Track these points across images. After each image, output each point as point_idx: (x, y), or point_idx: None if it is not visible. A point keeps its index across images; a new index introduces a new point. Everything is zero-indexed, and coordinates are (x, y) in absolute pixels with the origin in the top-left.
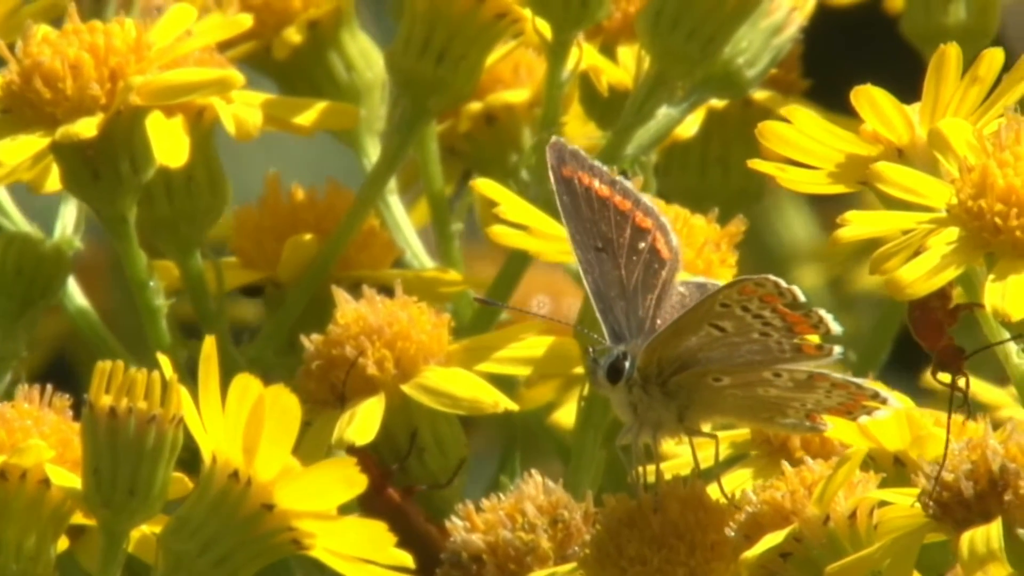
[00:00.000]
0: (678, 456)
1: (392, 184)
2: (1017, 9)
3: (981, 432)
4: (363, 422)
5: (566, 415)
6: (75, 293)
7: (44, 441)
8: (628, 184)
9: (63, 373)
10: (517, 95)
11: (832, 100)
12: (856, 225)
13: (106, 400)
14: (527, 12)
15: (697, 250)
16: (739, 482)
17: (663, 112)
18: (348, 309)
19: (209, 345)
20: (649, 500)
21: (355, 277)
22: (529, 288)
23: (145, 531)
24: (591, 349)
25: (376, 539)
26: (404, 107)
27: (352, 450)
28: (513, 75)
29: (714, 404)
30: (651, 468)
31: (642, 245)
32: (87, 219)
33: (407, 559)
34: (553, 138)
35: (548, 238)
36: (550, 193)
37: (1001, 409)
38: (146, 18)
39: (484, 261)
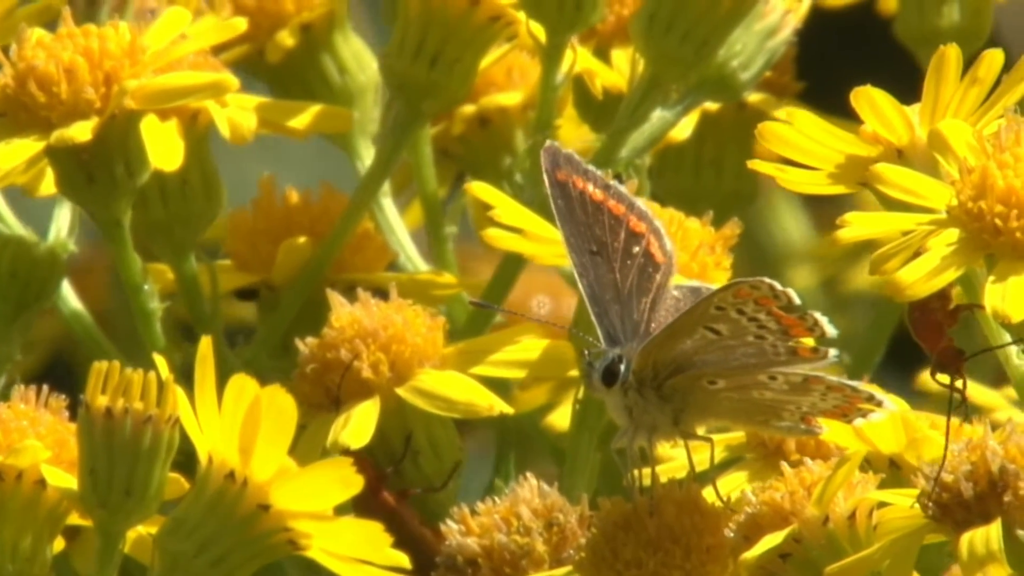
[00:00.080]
0: (673, 459)
1: (386, 187)
2: (1013, 10)
3: (980, 433)
4: (358, 425)
5: (561, 418)
6: (69, 296)
7: (40, 442)
8: (622, 189)
9: (61, 374)
10: (511, 98)
11: (826, 102)
12: (856, 226)
13: (102, 401)
14: (521, 15)
15: (692, 253)
16: (735, 485)
17: (657, 115)
18: (343, 312)
19: (205, 346)
20: (645, 503)
21: (350, 280)
22: (529, 288)
23: (141, 532)
24: (586, 352)
25: (372, 539)
26: (398, 110)
27: (347, 453)
28: (507, 78)
29: (709, 407)
30: (646, 471)
31: (636, 249)
32: (84, 221)
33: (403, 560)
34: (547, 142)
35: (543, 241)
36: (545, 196)
37: (995, 411)
38: (140, 21)
39: (479, 262)
